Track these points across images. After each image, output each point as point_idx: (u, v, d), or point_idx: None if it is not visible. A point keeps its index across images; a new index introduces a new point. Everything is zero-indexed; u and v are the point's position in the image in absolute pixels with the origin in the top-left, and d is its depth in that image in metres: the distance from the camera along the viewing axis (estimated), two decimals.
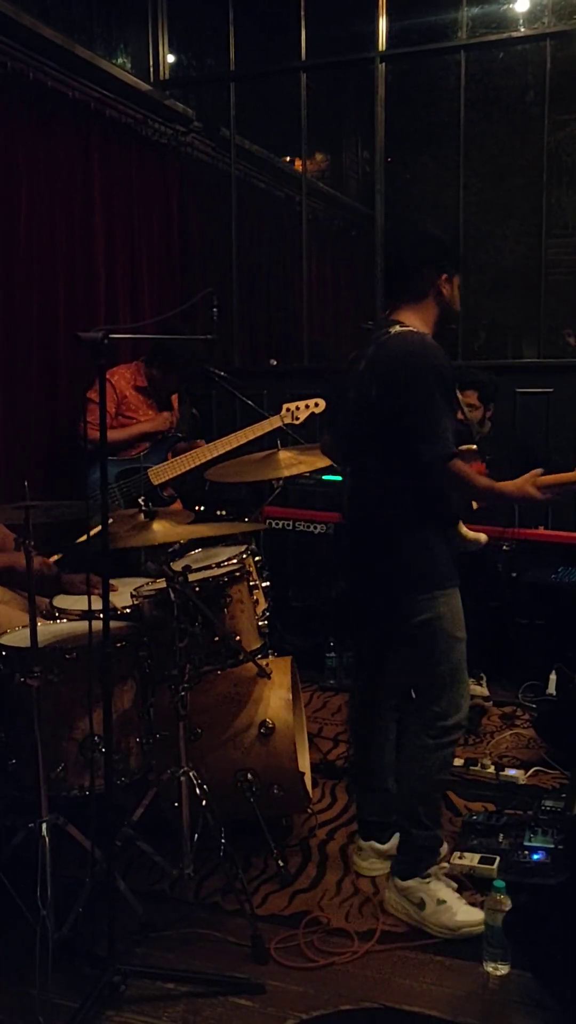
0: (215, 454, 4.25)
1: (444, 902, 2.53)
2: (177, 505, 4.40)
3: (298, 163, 5.71)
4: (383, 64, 5.17)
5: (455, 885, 2.65)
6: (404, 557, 2.55)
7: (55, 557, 3.32)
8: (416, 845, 2.60)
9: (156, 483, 4.24)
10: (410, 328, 2.54)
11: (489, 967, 2.34)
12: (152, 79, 5.57)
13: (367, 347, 2.58)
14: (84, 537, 2.92)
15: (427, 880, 2.57)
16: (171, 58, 5.77)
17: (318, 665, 4.40)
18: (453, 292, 2.65)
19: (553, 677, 4.05)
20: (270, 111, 6.17)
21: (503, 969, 2.32)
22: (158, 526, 2.73)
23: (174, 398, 4.54)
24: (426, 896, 2.54)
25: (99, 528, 2.38)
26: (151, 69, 5.62)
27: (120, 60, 5.32)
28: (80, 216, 4.65)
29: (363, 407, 2.55)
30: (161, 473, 4.26)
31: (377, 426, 2.51)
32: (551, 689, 4.04)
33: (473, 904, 2.60)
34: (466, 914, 2.52)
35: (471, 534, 2.68)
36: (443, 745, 2.58)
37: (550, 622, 4.22)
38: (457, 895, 2.59)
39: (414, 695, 2.71)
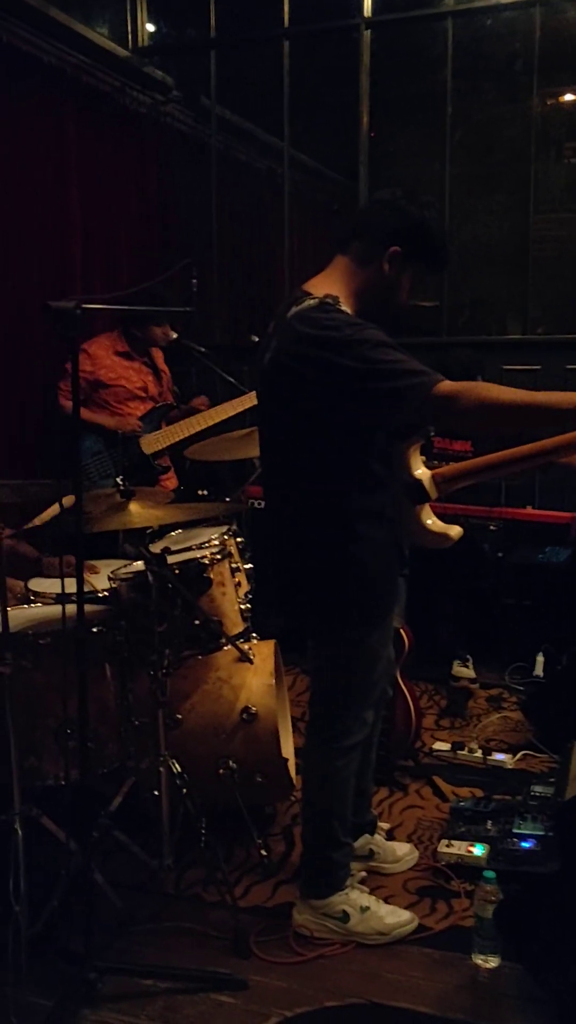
0: (210, 423, 4.11)
1: (367, 908, 2.41)
2: (171, 475, 4.28)
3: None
4: (368, 31, 5.03)
5: (367, 889, 2.53)
6: (329, 578, 2.27)
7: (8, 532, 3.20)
8: (334, 865, 2.43)
9: (148, 452, 4.11)
10: (317, 301, 2.18)
11: (479, 959, 2.28)
12: (131, 46, 5.41)
13: (274, 323, 2.28)
14: (46, 515, 2.81)
15: (343, 891, 2.43)
16: (150, 27, 5.61)
17: (302, 647, 4.31)
18: (399, 279, 2.27)
19: (540, 659, 4.00)
20: (251, 81, 6.02)
21: (493, 962, 2.26)
22: (135, 507, 2.62)
23: (160, 358, 4.37)
24: (348, 907, 2.40)
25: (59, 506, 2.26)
26: (129, 36, 5.46)
27: (98, 28, 5.15)
28: (55, 186, 4.50)
29: (273, 395, 2.29)
30: (154, 442, 4.13)
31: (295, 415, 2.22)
32: (538, 671, 3.98)
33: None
34: (392, 915, 2.43)
35: (439, 526, 2.33)
36: (349, 762, 2.43)
37: (537, 603, 4.16)
38: (375, 898, 2.48)
39: (318, 708, 2.46)
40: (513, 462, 2.28)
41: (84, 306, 2.07)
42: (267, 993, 2.21)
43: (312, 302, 2.20)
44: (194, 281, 2.61)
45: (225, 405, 4.13)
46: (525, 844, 2.68)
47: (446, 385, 2.05)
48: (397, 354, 2.09)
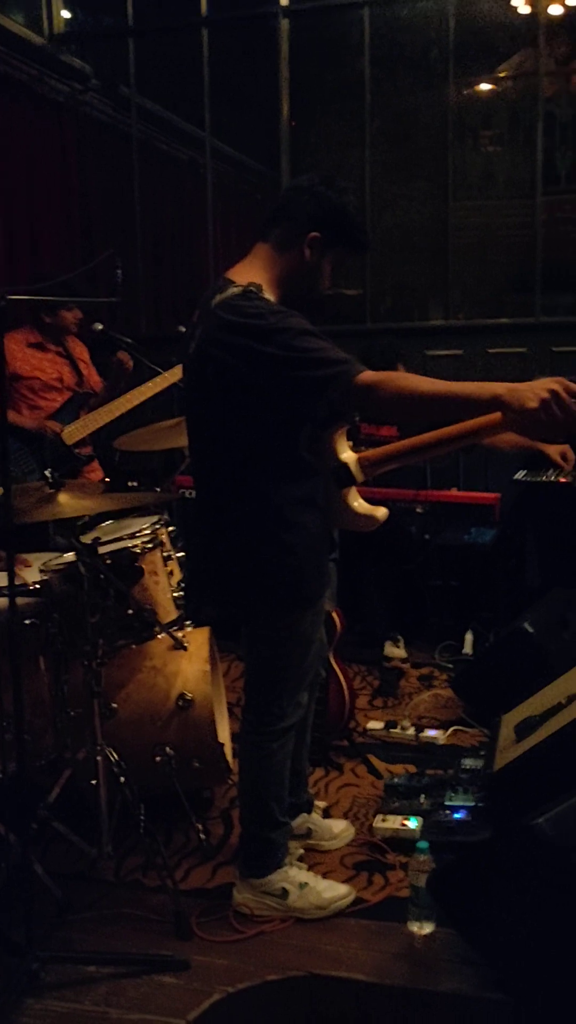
0: (130, 406, 4.08)
1: (306, 884, 2.46)
2: (95, 466, 4.26)
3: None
4: (286, 20, 5.06)
5: (305, 866, 2.59)
6: (260, 565, 2.29)
7: None
8: (273, 844, 2.47)
9: (70, 443, 4.07)
10: (241, 289, 2.20)
11: (414, 927, 2.35)
12: (46, 34, 5.34)
13: (199, 312, 2.30)
14: None
15: (282, 868, 2.47)
16: (66, 14, 5.55)
17: (236, 634, 4.34)
18: (320, 265, 2.30)
19: (469, 637, 4.10)
20: (171, 70, 5.99)
21: (428, 928, 2.33)
22: (64, 498, 2.62)
23: (80, 352, 4.32)
24: (286, 884, 2.44)
25: None
26: (45, 24, 5.39)
27: (11, 15, 5.07)
28: None
29: (200, 384, 2.29)
30: (75, 432, 4.09)
31: (222, 406, 2.23)
32: (467, 649, 4.09)
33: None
34: (330, 889, 2.48)
35: (365, 508, 2.39)
36: (285, 744, 2.46)
37: (464, 583, 4.26)
38: (312, 874, 2.53)
39: (254, 692, 2.48)
40: (436, 444, 2.35)
41: (9, 297, 2.06)
42: (209, 971, 2.25)
43: (236, 290, 2.22)
44: (118, 272, 2.61)
45: (142, 388, 4.10)
46: (457, 815, 2.76)
47: (367, 375, 2.09)
48: (320, 342, 2.13)
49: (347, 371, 2.09)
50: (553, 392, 1.99)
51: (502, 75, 5.84)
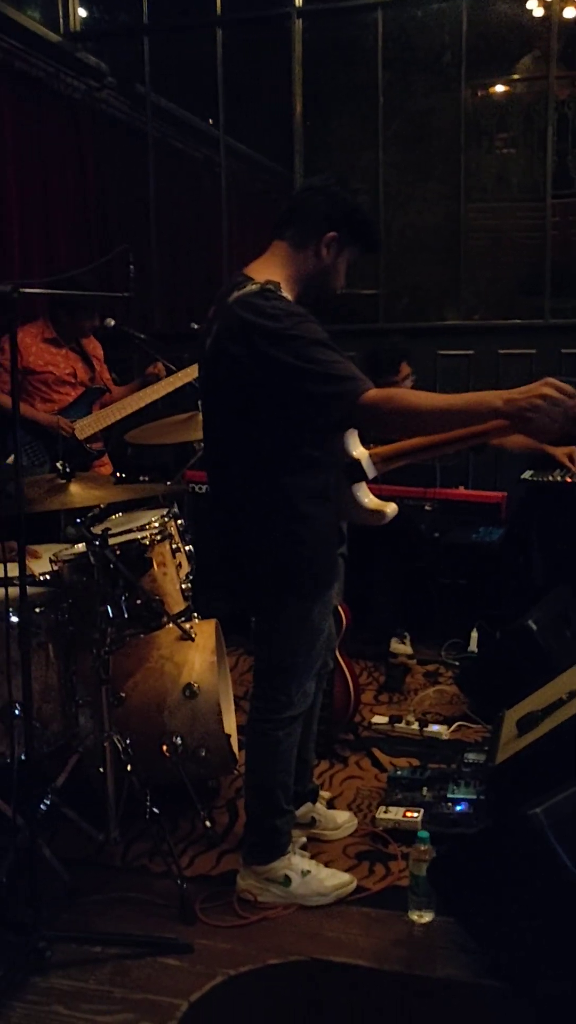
0: (141, 404, 4.14)
1: (308, 872, 2.49)
2: (105, 461, 4.31)
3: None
4: (300, 20, 5.10)
5: (307, 854, 2.63)
6: (271, 556, 2.34)
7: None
8: (277, 832, 2.51)
9: (82, 438, 4.12)
10: (259, 287, 2.24)
11: (414, 915, 2.38)
12: (62, 31, 5.39)
13: (215, 307, 2.33)
14: None
15: (286, 856, 2.51)
16: (82, 12, 5.60)
17: (245, 629, 4.38)
18: (336, 264, 2.37)
19: (475, 635, 4.13)
20: (187, 68, 6.04)
21: (427, 917, 2.37)
22: (75, 488, 2.67)
23: (93, 349, 4.37)
24: (289, 872, 2.48)
25: None
26: (61, 21, 5.44)
27: (29, 12, 5.13)
28: None
29: (214, 379, 2.34)
30: (87, 427, 4.15)
31: (238, 405, 2.27)
32: (473, 646, 4.11)
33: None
34: (332, 877, 2.52)
35: (375, 503, 2.44)
36: (291, 733, 2.50)
37: (471, 581, 4.29)
38: (315, 862, 2.57)
39: (262, 681, 2.52)
40: (446, 443, 2.40)
41: (22, 290, 2.11)
42: (212, 955, 2.29)
43: (254, 287, 2.25)
44: (131, 267, 2.66)
45: (155, 386, 4.16)
46: (459, 807, 2.79)
47: (372, 393, 2.13)
48: (332, 354, 2.16)
49: (352, 389, 2.13)
50: (545, 397, 2.04)
51: (515, 78, 5.86)
